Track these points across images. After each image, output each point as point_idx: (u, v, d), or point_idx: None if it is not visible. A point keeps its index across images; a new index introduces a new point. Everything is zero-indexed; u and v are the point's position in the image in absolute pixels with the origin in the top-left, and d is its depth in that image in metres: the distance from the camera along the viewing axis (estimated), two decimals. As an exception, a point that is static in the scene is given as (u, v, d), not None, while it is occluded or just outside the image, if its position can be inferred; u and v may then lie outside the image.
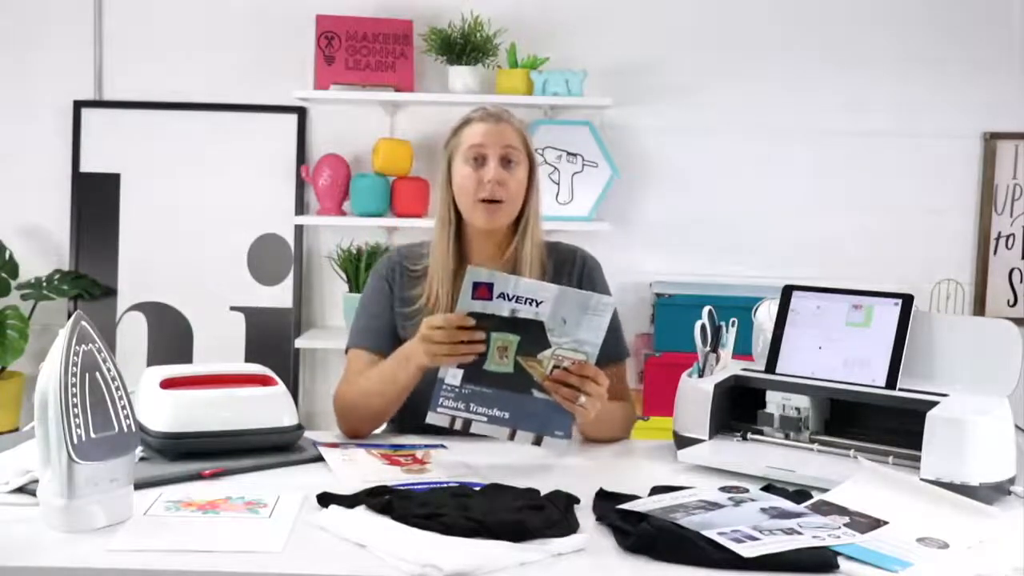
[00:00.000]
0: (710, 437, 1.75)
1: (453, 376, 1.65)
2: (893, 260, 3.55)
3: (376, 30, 3.46)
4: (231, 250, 3.61)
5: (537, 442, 1.66)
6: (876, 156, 3.59)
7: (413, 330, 1.91)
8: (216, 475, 1.57)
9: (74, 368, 1.31)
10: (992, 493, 1.51)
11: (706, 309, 1.85)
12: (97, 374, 1.34)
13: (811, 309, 1.81)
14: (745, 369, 1.83)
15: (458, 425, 1.66)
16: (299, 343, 3.51)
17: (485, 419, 1.65)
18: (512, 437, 1.66)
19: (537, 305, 1.63)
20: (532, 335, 1.63)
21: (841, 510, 1.42)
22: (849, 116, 3.58)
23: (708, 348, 1.84)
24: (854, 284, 1.86)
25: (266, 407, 1.74)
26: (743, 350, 1.88)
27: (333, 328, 3.63)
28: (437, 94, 3.47)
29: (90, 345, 1.34)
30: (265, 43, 3.58)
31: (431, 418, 1.67)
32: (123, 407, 1.36)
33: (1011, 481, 1.55)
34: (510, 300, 1.63)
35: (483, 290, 1.64)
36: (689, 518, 1.34)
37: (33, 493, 1.38)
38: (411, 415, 1.97)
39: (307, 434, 1.79)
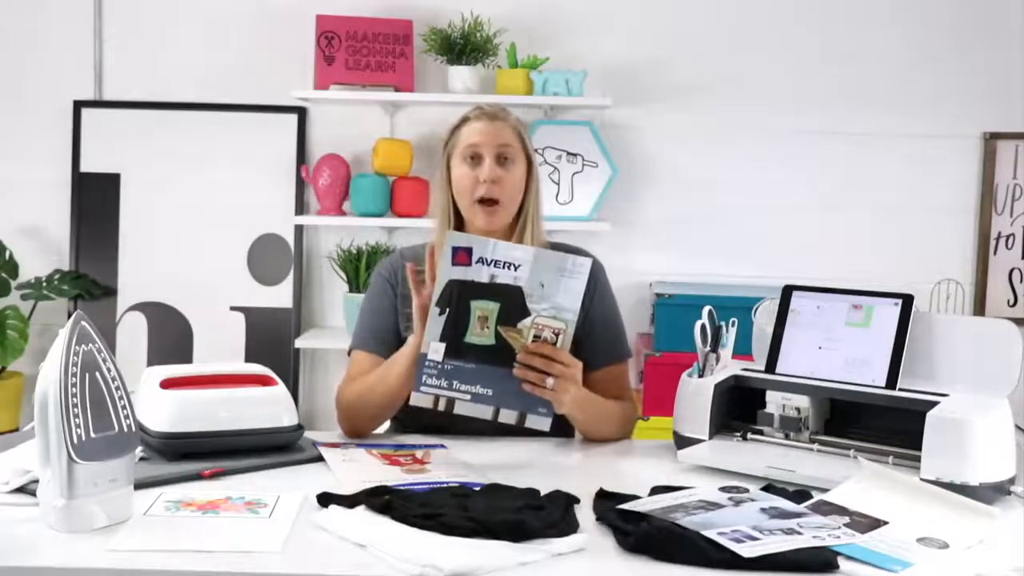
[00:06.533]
0: (710, 437, 1.75)
1: (435, 351, 1.65)
2: (893, 260, 3.56)
3: (376, 30, 3.46)
4: (231, 250, 3.61)
5: (521, 421, 1.66)
6: (876, 156, 3.59)
7: (413, 329, 1.91)
8: (216, 475, 1.57)
9: (74, 368, 1.31)
10: (992, 493, 1.51)
11: (706, 309, 1.85)
12: (97, 374, 1.34)
13: (811, 309, 1.81)
14: (745, 369, 1.83)
15: (442, 405, 1.66)
16: (299, 343, 3.51)
17: (468, 397, 1.65)
18: (496, 417, 1.66)
19: (515, 269, 1.64)
20: (511, 303, 1.64)
21: (841, 510, 1.42)
22: (849, 116, 3.58)
23: (708, 348, 1.83)
24: (854, 284, 1.86)
25: (266, 407, 1.74)
26: (743, 350, 1.88)
27: (333, 328, 3.63)
28: (437, 94, 3.47)
29: (90, 345, 1.34)
30: (265, 43, 3.58)
31: (415, 399, 1.67)
32: (123, 407, 1.35)
33: (1011, 481, 1.55)
34: (489, 265, 1.65)
35: (463, 255, 1.65)
36: (689, 518, 1.34)
37: (33, 493, 1.39)
38: (414, 413, 1.98)
39: (307, 434, 1.79)
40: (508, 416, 1.66)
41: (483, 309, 1.65)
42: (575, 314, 1.65)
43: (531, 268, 1.64)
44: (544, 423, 1.67)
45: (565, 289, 1.64)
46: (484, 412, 1.66)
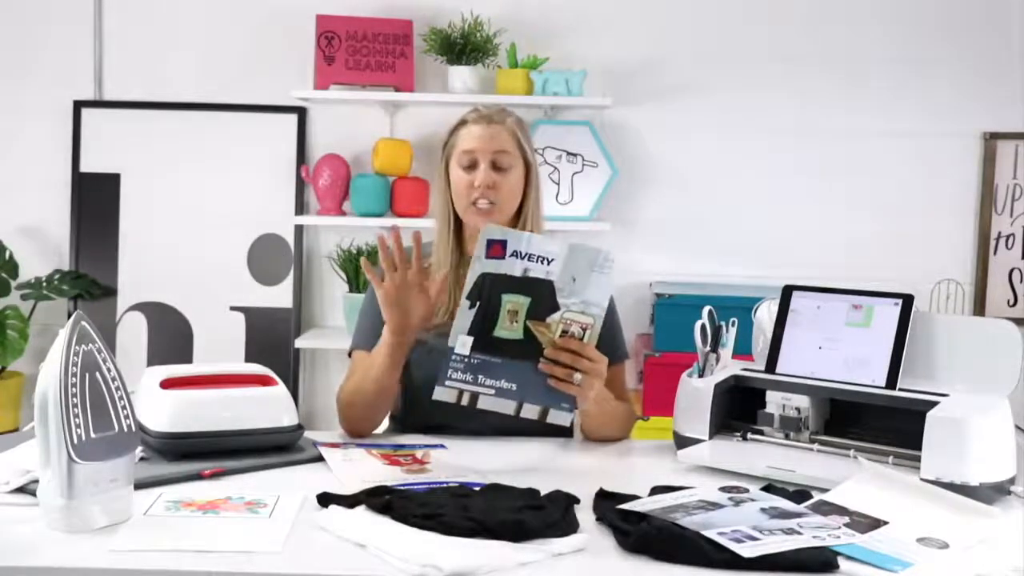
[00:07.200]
0: (710, 437, 1.75)
1: (463, 345, 1.64)
2: (893, 260, 3.55)
3: (376, 30, 3.46)
4: (231, 250, 3.61)
5: (543, 416, 1.65)
6: (876, 156, 3.59)
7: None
8: (216, 475, 1.57)
9: (74, 368, 1.31)
10: (992, 493, 1.51)
11: (706, 309, 1.85)
12: (97, 374, 1.34)
13: (811, 309, 1.81)
14: (745, 369, 1.83)
15: (465, 400, 1.64)
16: (299, 343, 3.51)
17: (493, 391, 1.63)
18: (519, 412, 1.64)
19: (548, 263, 1.63)
20: (542, 297, 1.63)
21: (841, 510, 1.42)
22: (849, 116, 3.58)
23: (708, 348, 1.83)
24: (854, 284, 1.86)
25: (266, 407, 1.74)
26: (743, 350, 1.88)
27: (333, 328, 3.63)
28: (437, 94, 3.47)
29: (90, 345, 1.34)
30: (265, 43, 3.58)
31: (438, 393, 1.64)
32: (123, 407, 1.36)
33: (1011, 481, 1.55)
34: (523, 258, 1.64)
35: (497, 248, 1.64)
36: (689, 518, 1.34)
37: (33, 493, 1.38)
38: (413, 413, 1.98)
39: (307, 434, 1.79)
40: (530, 411, 1.64)
41: (514, 303, 1.64)
42: (603, 309, 1.64)
43: (564, 262, 1.63)
44: (565, 418, 1.66)
45: (595, 284, 1.63)
46: (507, 407, 1.64)
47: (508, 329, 1.64)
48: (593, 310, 1.64)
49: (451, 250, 1.98)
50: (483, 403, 1.64)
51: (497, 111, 2.01)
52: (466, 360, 1.64)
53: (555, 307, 1.63)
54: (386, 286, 1.77)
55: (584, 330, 1.64)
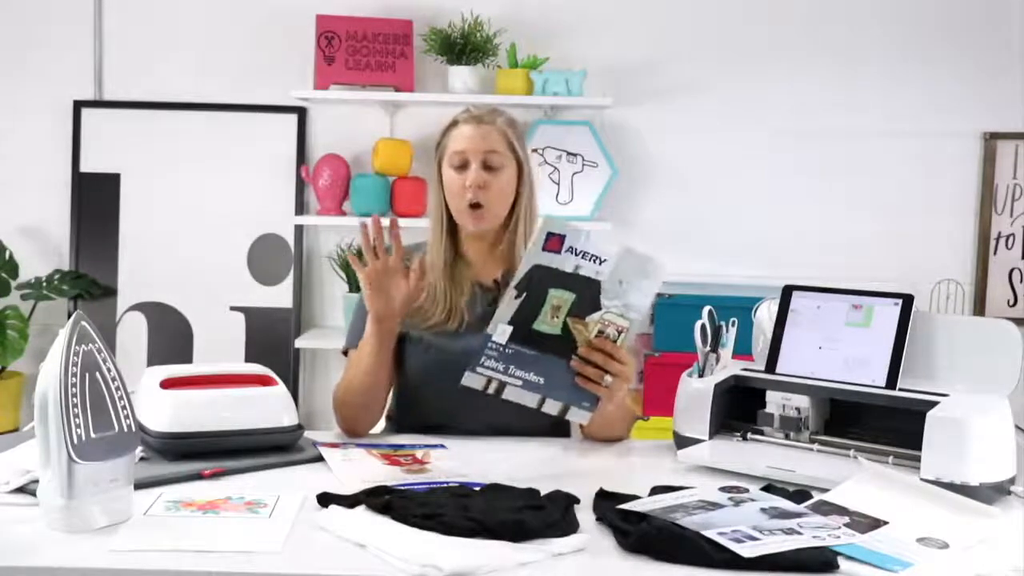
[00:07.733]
0: (710, 437, 1.75)
1: (501, 333, 1.63)
2: (893, 260, 3.55)
3: (376, 30, 3.46)
4: (231, 250, 3.61)
5: (563, 412, 1.65)
6: (876, 156, 3.60)
7: (410, 327, 1.91)
8: (216, 475, 1.57)
9: (74, 368, 1.31)
10: (992, 493, 1.51)
11: (706, 309, 1.85)
12: (97, 374, 1.34)
13: (811, 309, 1.81)
14: (745, 369, 1.83)
15: (491, 389, 1.63)
16: (299, 343, 3.51)
17: (520, 383, 1.62)
18: (541, 405, 1.64)
19: (600, 263, 1.63)
20: (587, 296, 1.63)
21: (841, 510, 1.42)
22: (849, 116, 3.58)
23: (708, 348, 1.83)
24: (854, 284, 1.86)
25: (266, 407, 1.74)
26: (743, 350, 1.88)
27: (333, 328, 3.63)
28: (437, 94, 3.47)
29: (90, 345, 1.34)
30: (265, 43, 3.58)
31: (467, 379, 1.63)
32: (123, 407, 1.35)
33: (1011, 481, 1.55)
34: (576, 255, 1.63)
35: (555, 241, 1.64)
36: (689, 518, 1.34)
37: (33, 493, 1.38)
38: (410, 413, 1.98)
39: (307, 434, 1.79)
40: (552, 407, 1.64)
41: (559, 298, 1.63)
42: (641, 314, 1.64)
43: (615, 264, 1.63)
44: (584, 417, 1.66)
45: (639, 289, 1.63)
46: (531, 400, 1.63)
47: (548, 324, 1.63)
48: (632, 315, 1.63)
49: (444, 249, 1.98)
50: (508, 393, 1.63)
51: (488, 111, 2.00)
52: (501, 349, 1.62)
53: (597, 307, 1.63)
54: (368, 270, 1.81)
55: (619, 333, 1.63)
